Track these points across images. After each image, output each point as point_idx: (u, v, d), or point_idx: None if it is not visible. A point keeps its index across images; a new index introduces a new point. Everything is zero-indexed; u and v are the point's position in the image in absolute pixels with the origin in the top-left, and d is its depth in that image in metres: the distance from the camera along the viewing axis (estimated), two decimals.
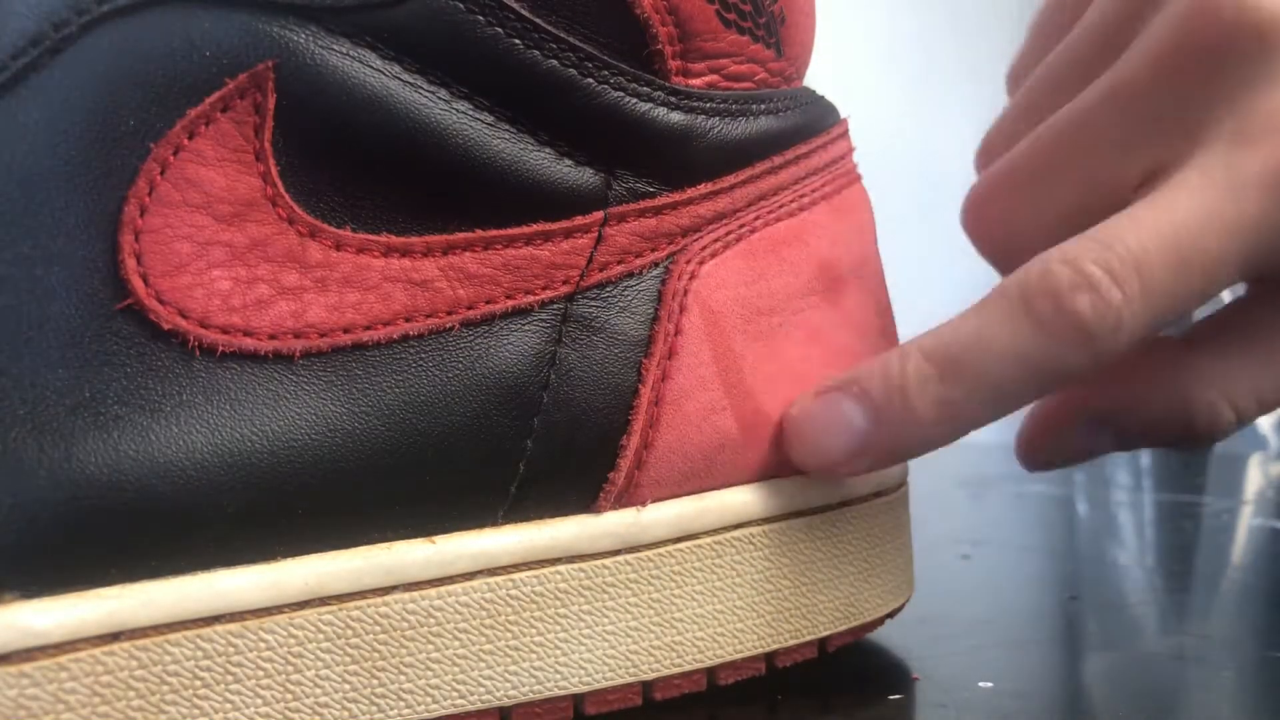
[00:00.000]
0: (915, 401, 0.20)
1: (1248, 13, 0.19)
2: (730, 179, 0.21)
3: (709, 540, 0.21)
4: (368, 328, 0.19)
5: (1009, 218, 0.24)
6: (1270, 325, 0.22)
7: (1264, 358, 0.22)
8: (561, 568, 0.20)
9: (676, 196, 0.21)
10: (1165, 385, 0.22)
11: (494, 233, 0.19)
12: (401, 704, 0.19)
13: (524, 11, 0.19)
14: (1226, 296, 0.23)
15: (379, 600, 0.19)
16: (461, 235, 0.19)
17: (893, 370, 0.21)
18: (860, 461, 0.21)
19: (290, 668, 0.18)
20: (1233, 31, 0.19)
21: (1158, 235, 0.19)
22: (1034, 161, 0.23)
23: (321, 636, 0.18)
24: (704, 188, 0.21)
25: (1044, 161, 0.23)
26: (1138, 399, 0.23)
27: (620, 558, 0.20)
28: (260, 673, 0.18)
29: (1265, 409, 0.22)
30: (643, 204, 0.21)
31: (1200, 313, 0.23)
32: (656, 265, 0.21)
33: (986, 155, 0.26)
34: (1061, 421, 0.24)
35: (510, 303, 0.20)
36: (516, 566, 0.20)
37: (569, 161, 0.20)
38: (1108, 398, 0.23)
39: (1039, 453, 0.24)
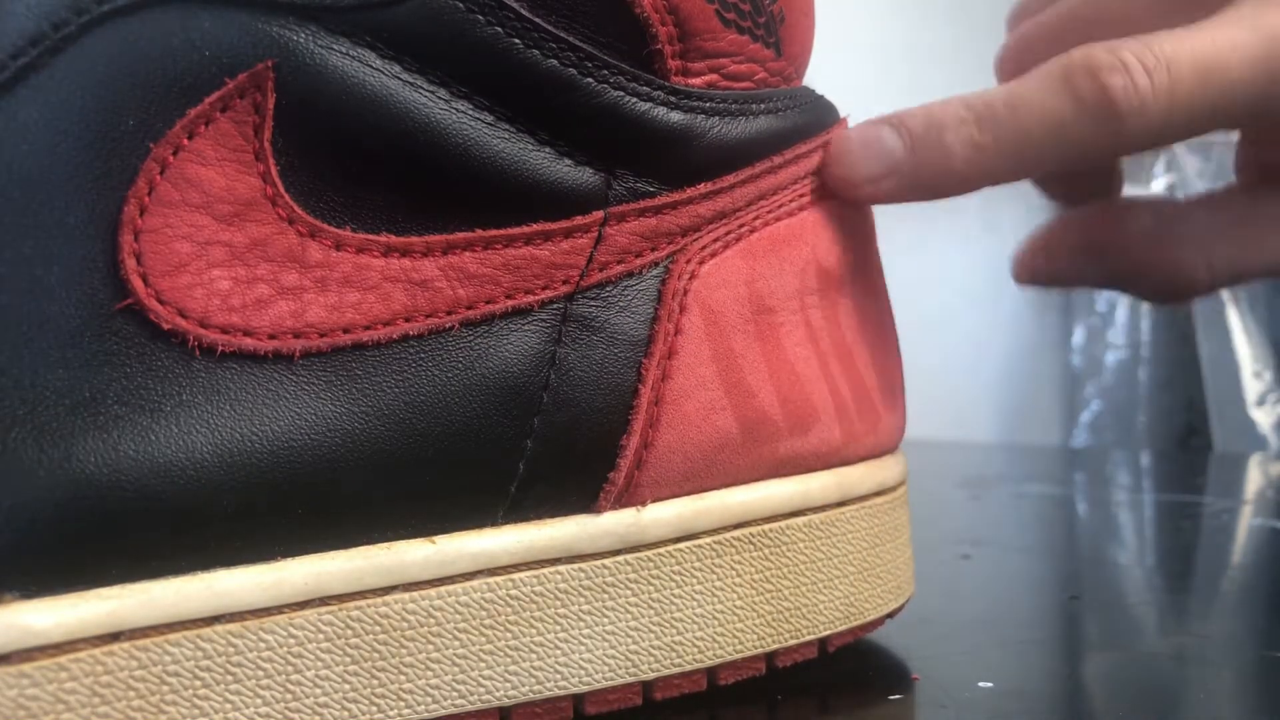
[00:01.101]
0: (950, 138, 0.22)
1: None
2: (730, 178, 0.21)
3: (709, 540, 0.21)
4: (367, 327, 0.19)
5: (1048, 46, 0.25)
6: (1255, 211, 0.25)
7: (1245, 237, 0.25)
8: (561, 568, 0.20)
9: (676, 196, 0.21)
10: (1158, 237, 0.25)
11: (494, 232, 0.19)
12: (401, 704, 0.19)
13: (523, 11, 0.19)
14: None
15: (379, 600, 0.19)
16: (461, 235, 0.19)
17: (934, 109, 0.23)
18: (886, 184, 0.23)
19: (290, 668, 0.18)
20: None
21: (1190, 48, 0.21)
22: (1080, 17, 0.25)
23: (321, 637, 0.18)
24: (704, 187, 0.21)
25: (1090, 17, 0.25)
26: (1132, 242, 0.25)
27: (620, 558, 0.20)
28: (260, 673, 0.18)
29: (1236, 280, 0.25)
30: (643, 203, 0.21)
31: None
32: (656, 265, 0.21)
33: (1023, 13, 0.28)
34: (1061, 242, 0.26)
35: (510, 302, 0.20)
36: (516, 566, 0.20)
37: (569, 161, 0.20)
38: (1108, 233, 0.26)
39: (1033, 266, 0.27)
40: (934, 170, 0.23)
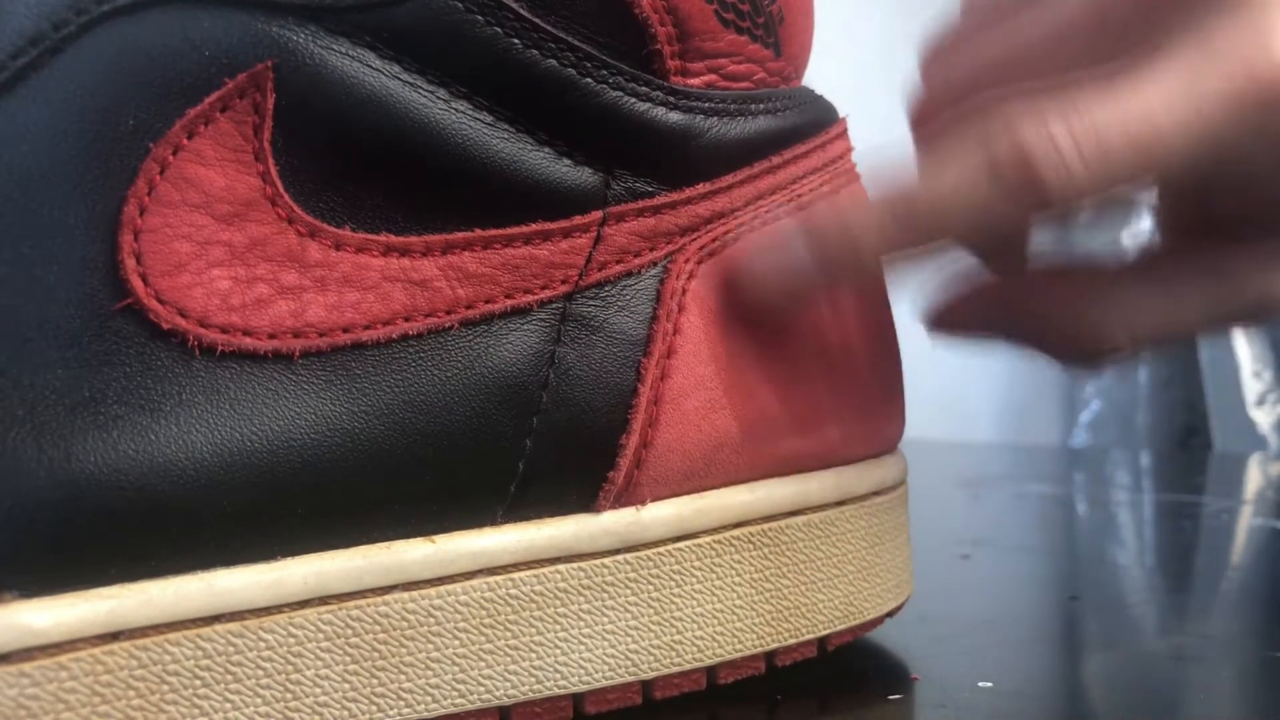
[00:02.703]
0: (866, 252, 0.21)
1: None
2: (729, 179, 0.21)
3: (708, 539, 0.21)
4: (367, 327, 0.19)
5: (965, 95, 0.24)
6: (1178, 273, 0.23)
7: (1167, 300, 0.23)
8: (561, 567, 0.20)
9: (675, 196, 0.21)
10: (1075, 301, 0.23)
11: (493, 232, 0.19)
12: (401, 703, 0.19)
13: (523, 11, 0.19)
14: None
15: (379, 600, 0.19)
16: (460, 235, 0.19)
17: (852, 220, 0.21)
18: (800, 296, 0.22)
19: (290, 667, 0.18)
20: None
21: (1124, 114, 0.20)
22: (1005, 53, 0.23)
23: (321, 636, 0.18)
24: (702, 187, 0.21)
25: (1015, 55, 0.23)
26: (1048, 304, 0.24)
27: (620, 557, 0.21)
28: (260, 672, 0.18)
29: (1157, 344, 0.23)
30: (641, 203, 0.21)
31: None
32: (655, 265, 0.21)
33: (936, 56, 0.26)
34: (969, 298, 0.25)
35: (509, 302, 0.20)
36: (516, 566, 0.20)
37: (568, 161, 0.20)
38: (1021, 293, 0.24)
39: (940, 318, 0.26)
40: (841, 265, 0.21)
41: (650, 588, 0.21)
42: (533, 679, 0.20)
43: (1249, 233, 0.22)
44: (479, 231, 0.19)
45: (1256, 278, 0.22)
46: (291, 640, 0.18)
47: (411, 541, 0.19)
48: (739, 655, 0.22)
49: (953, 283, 0.25)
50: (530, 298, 0.20)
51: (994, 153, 0.20)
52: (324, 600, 0.18)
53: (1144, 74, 0.20)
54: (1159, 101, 0.20)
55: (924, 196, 0.21)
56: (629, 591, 0.21)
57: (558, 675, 0.20)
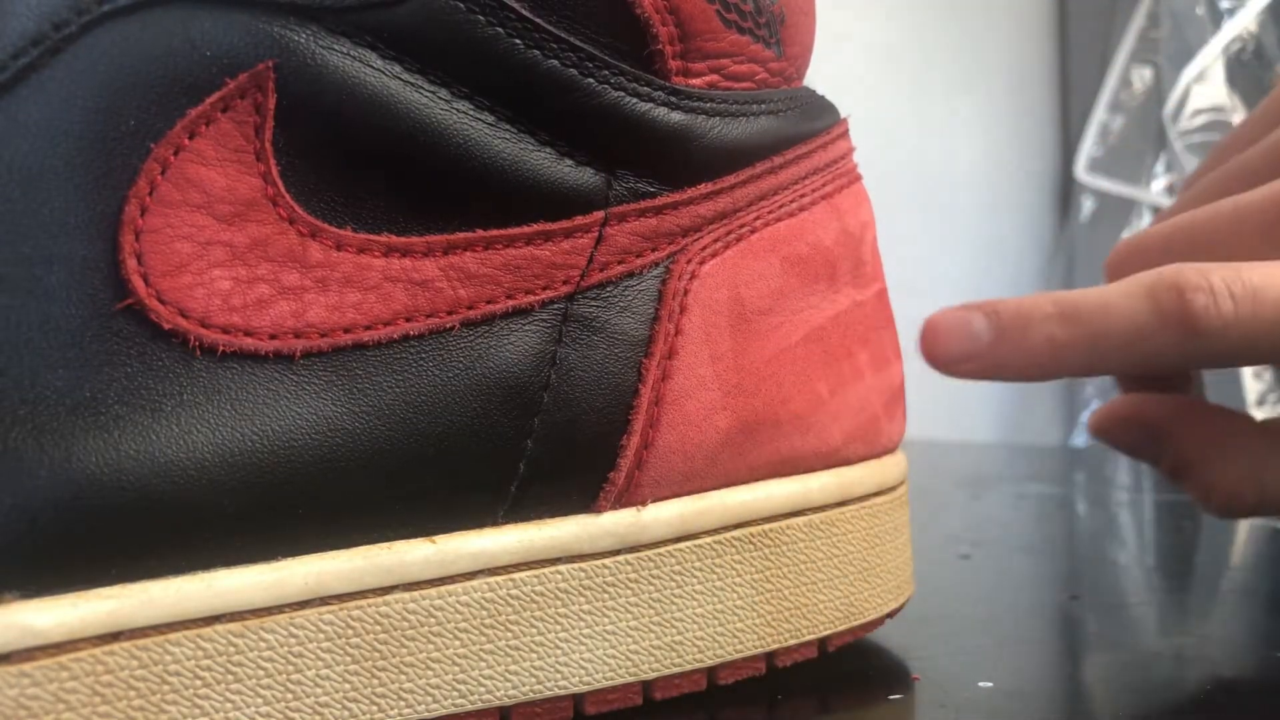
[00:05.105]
0: (1033, 332, 0.24)
1: None
2: (730, 179, 0.21)
3: (709, 540, 0.21)
4: (368, 327, 0.19)
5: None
6: None
7: None
8: (561, 567, 0.20)
9: (677, 196, 0.21)
10: (1214, 443, 0.25)
11: (494, 232, 0.19)
12: (402, 704, 0.19)
13: (524, 11, 0.19)
14: None
15: (379, 600, 0.19)
16: (462, 235, 0.19)
17: (1025, 302, 0.25)
18: (968, 366, 0.25)
19: (291, 667, 0.18)
20: None
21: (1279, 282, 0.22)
22: (1187, 235, 0.26)
23: (322, 636, 0.18)
24: (704, 188, 0.21)
25: (1201, 233, 0.26)
26: (1189, 439, 0.26)
27: (620, 557, 0.21)
28: (261, 672, 0.18)
29: None
30: (643, 204, 0.21)
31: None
32: (657, 265, 0.21)
33: (1138, 253, 0.29)
34: (1131, 419, 0.28)
35: (511, 302, 0.20)
36: (517, 566, 0.20)
37: (569, 161, 0.20)
38: (1170, 424, 0.27)
39: (1104, 428, 0.29)
40: (1014, 360, 0.24)
41: (651, 588, 0.21)
42: (533, 679, 0.20)
43: None
44: (480, 232, 0.19)
45: None
46: (292, 640, 0.18)
47: (412, 542, 0.19)
48: (739, 656, 0.22)
49: (1121, 401, 0.28)
50: (531, 298, 0.20)
51: (1158, 286, 0.22)
52: (325, 600, 0.18)
53: None
54: None
55: (1091, 315, 0.23)
56: (629, 592, 0.21)
57: (558, 676, 0.20)
